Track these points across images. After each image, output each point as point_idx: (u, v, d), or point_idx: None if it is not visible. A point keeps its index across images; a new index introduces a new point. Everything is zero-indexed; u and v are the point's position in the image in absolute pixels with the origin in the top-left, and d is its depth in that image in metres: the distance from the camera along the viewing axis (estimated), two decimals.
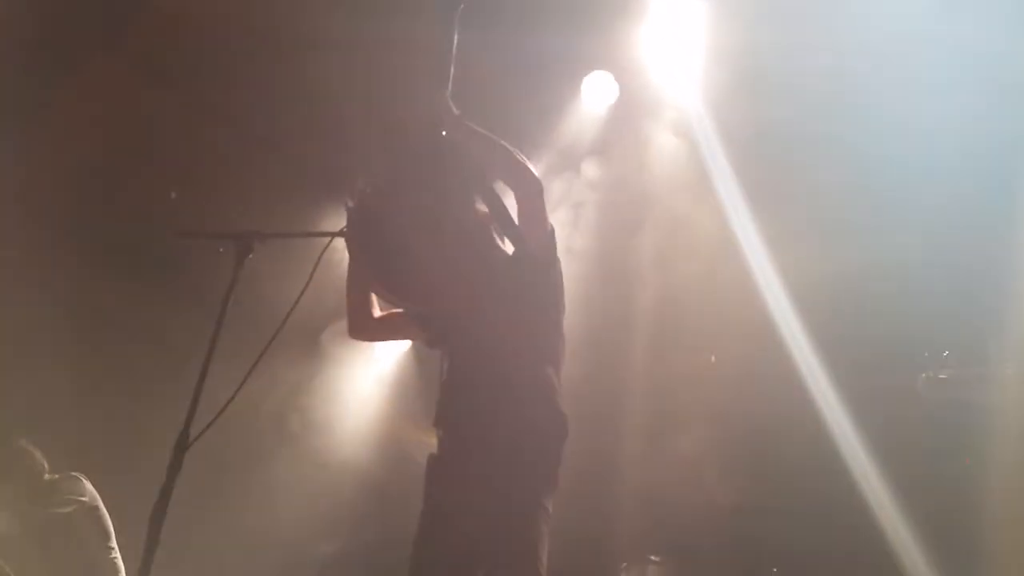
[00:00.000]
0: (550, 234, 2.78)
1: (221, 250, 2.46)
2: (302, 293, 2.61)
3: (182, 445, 2.09)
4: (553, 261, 2.83)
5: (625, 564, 4.60)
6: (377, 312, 3.10)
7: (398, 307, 3.03)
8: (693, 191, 5.11)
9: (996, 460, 3.68)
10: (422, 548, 2.77)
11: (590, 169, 5.36)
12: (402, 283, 2.74)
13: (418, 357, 5.71)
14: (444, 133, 2.68)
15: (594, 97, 5.33)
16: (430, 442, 2.99)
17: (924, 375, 2.80)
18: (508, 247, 2.80)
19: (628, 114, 5.29)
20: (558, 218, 5.07)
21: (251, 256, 2.45)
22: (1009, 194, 4.00)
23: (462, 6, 2.77)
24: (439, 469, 2.86)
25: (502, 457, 2.67)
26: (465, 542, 2.70)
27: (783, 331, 4.85)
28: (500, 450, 2.68)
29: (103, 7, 4.52)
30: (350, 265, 3.05)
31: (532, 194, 2.72)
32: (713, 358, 5.26)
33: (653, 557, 4.54)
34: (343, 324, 3.07)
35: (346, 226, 2.71)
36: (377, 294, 3.03)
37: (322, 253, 2.67)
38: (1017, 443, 3.51)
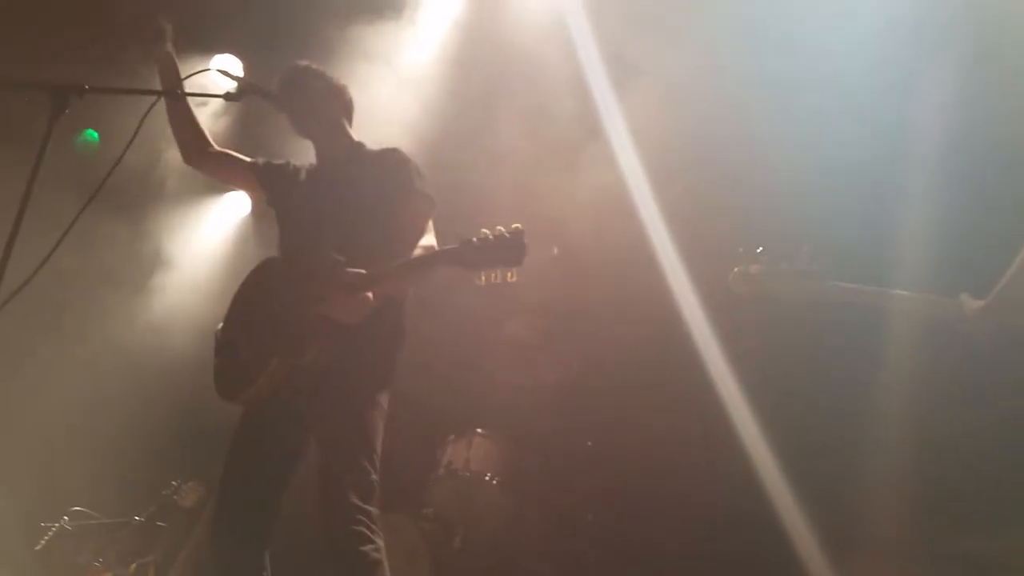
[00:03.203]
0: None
1: (31, 102, 2.28)
2: (124, 151, 2.52)
3: None
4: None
5: (452, 436, 4.80)
6: (216, 147, 3.10)
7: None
8: (555, 67, 4.98)
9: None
10: (252, 417, 2.83)
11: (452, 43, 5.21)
12: None
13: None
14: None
15: None
16: None
17: (736, 269, 2.95)
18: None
19: None
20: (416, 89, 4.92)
21: (68, 111, 2.30)
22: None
23: None
24: None
25: (342, 352, 2.73)
26: (300, 413, 2.78)
27: (640, 218, 4.85)
28: (340, 346, 2.73)
29: None
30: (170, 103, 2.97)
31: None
32: (555, 250, 5.37)
33: (479, 429, 4.76)
34: None
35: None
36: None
37: (148, 111, 2.57)
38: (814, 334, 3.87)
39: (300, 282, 2.73)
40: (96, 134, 5.48)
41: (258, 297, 2.93)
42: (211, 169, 3.25)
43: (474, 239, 2.52)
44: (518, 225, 2.50)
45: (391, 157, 3.03)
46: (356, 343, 2.76)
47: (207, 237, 5.68)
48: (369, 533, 2.57)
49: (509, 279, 2.54)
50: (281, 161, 3.20)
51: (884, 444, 3.89)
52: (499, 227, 2.51)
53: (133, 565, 4.23)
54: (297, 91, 3.01)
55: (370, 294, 2.66)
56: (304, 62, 3.13)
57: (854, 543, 3.96)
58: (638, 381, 4.89)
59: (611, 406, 4.98)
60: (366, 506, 2.60)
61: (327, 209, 2.94)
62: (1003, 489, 3.56)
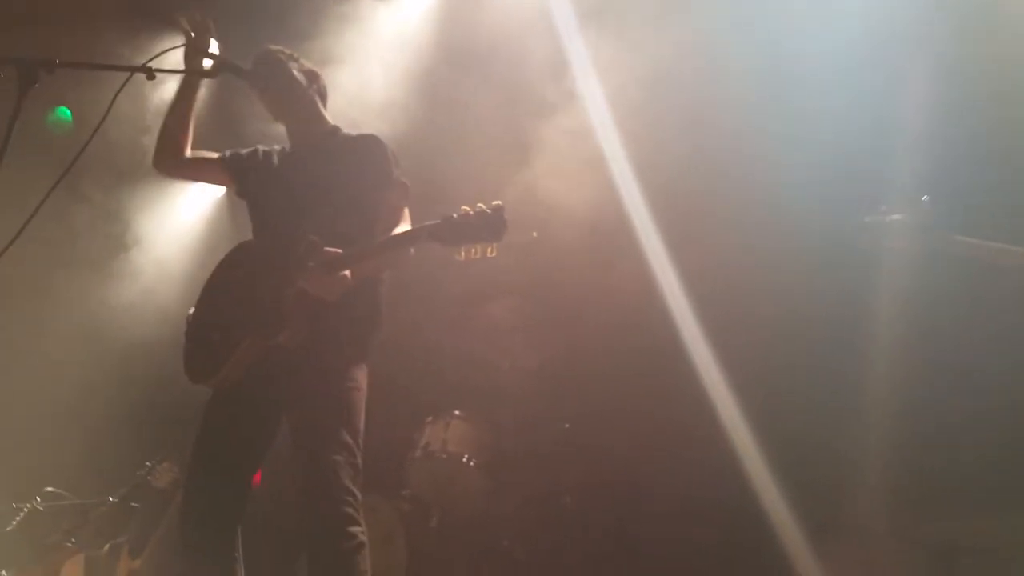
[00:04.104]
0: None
1: (1, 75, 2.23)
2: (98, 127, 2.48)
3: None
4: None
5: (431, 418, 4.79)
6: (189, 152, 3.04)
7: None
8: (536, 48, 4.82)
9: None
10: (222, 398, 2.81)
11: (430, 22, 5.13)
12: None
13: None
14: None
15: None
16: None
17: (861, 220, 2.83)
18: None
19: None
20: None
21: (37, 86, 2.25)
22: None
23: None
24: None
25: (316, 331, 2.72)
26: (274, 392, 2.77)
27: (623, 204, 4.77)
28: (314, 325, 2.72)
29: None
30: (181, 89, 2.94)
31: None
32: (535, 233, 5.33)
33: (457, 411, 4.76)
34: None
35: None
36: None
37: (122, 87, 2.52)
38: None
39: (276, 262, 2.70)
40: (69, 112, 5.36)
41: (232, 280, 2.91)
42: (182, 175, 3.24)
43: (454, 215, 2.52)
44: (499, 201, 2.51)
45: (368, 143, 3.01)
46: (331, 322, 2.74)
47: (180, 219, 5.61)
48: (356, 515, 2.58)
49: (489, 254, 2.56)
50: (247, 149, 3.15)
51: (869, 432, 3.92)
52: (479, 204, 2.52)
53: (106, 546, 4.20)
54: (270, 75, 2.98)
55: (347, 272, 2.64)
56: (277, 46, 3.09)
57: (836, 529, 4.00)
58: (619, 366, 4.89)
59: (591, 391, 4.99)
60: (353, 488, 2.60)
61: (303, 194, 2.92)
62: (987, 474, 3.59)
